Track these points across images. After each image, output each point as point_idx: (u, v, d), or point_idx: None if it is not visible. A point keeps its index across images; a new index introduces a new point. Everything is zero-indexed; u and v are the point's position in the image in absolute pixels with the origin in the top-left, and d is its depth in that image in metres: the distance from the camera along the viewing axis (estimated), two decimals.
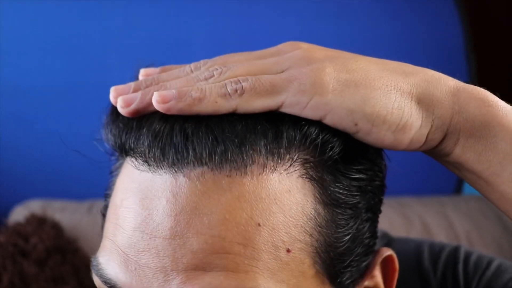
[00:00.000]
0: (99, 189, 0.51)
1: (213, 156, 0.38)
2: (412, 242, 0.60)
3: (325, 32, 1.55)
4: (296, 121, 0.40)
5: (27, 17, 1.55)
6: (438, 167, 1.69)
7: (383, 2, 1.61)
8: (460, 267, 0.56)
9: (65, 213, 1.41)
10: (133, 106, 0.41)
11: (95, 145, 0.47)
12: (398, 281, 0.55)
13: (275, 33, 1.52)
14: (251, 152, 0.39)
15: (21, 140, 1.57)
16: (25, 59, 1.56)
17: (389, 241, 0.61)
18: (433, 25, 1.62)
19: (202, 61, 0.44)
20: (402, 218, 1.49)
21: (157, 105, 0.40)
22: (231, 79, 0.40)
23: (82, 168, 1.50)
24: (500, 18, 1.76)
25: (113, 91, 0.43)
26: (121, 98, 0.41)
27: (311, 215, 0.41)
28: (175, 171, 0.39)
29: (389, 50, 1.54)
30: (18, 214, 1.40)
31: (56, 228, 1.33)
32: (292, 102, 0.40)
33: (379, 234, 0.61)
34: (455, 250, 0.58)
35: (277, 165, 0.40)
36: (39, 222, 1.32)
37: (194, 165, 0.39)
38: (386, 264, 0.48)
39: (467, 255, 0.57)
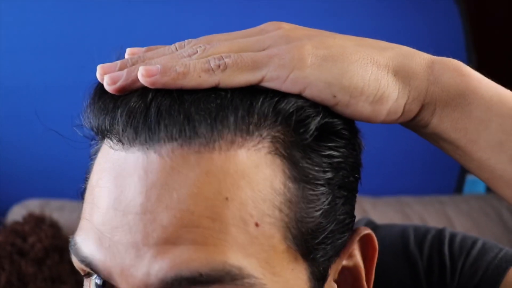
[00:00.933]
0: None
1: (183, 132, 0.39)
2: (397, 226, 0.61)
3: (325, 29, 1.56)
4: (273, 99, 0.41)
5: (25, 16, 1.55)
6: (438, 166, 1.70)
7: (383, 0, 1.64)
8: (446, 248, 0.56)
9: (63, 212, 1.41)
10: (119, 83, 0.42)
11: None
12: (386, 264, 0.56)
13: None
14: (220, 127, 0.40)
15: (19, 139, 1.58)
16: (23, 58, 1.56)
17: (374, 228, 0.61)
18: (433, 24, 1.65)
19: (186, 41, 0.45)
20: (402, 217, 1.50)
21: (142, 78, 0.41)
22: (214, 56, 0.42)
23: (80, 167, 1.51)
24: (500, 17, 1.77)
25: (99, 69, 0.44)
26: (108, 76, 0.42)
27: (280, 190, 0.41)
28: (147, 148, 0.40)
29: None
30: (16, 213, 1.40)
31: (54, 227, 1.34)
32: (272, 77, 0.41)
33: (364, 221, 0.62)
34: (440, 232, 0.58)
35: (245, 141, 0.40)
36: (37, 221, 1.33)
37: (164, 142, 0.39)
38: (365, 243, 0.48)
39: (452, 236, 0.57)
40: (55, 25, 1.56)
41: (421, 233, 0.59)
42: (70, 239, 0.44)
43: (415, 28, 1.63)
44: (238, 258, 0.39)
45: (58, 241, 1.30)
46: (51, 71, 1.57)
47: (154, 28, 1.55)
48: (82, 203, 0.46)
